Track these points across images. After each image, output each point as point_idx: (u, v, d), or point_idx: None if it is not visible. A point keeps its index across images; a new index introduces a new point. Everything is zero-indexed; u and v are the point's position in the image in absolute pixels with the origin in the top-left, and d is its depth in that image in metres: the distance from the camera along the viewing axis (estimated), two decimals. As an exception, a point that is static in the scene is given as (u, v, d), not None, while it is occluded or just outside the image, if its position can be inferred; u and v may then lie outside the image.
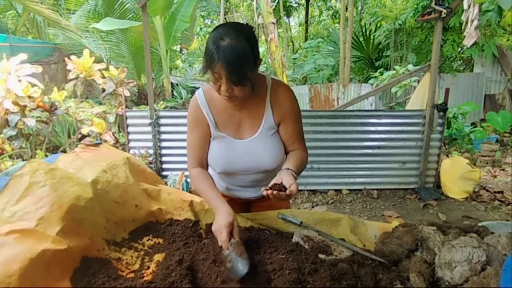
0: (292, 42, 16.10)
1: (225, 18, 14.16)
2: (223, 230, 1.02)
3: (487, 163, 5.47)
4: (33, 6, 6.38)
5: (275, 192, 1.05)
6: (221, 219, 1.06)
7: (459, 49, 8.24)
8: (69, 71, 4.39)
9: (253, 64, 1.13)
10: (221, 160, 1.31)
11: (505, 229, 1.24)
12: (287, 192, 1.06)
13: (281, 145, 1.34)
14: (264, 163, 1.31)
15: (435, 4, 3.73)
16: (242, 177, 1.38)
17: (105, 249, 0.99)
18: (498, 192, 4.21)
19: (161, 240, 1.11)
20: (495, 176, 4.97)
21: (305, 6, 14.68)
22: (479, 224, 1.30)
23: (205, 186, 1.23)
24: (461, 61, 9.44)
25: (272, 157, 1.31)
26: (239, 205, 1.54)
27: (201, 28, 14.96)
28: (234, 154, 1.30)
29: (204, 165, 1.34)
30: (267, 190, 1.06)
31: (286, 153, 1.37)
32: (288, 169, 1.18)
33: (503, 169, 5.30)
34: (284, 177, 1.11)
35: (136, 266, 0.98)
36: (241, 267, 0.91)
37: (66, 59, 4.45)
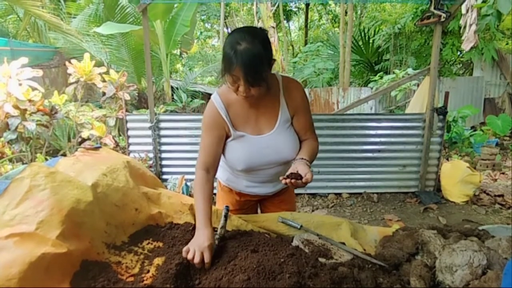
0: (292, 46, 16.16)
1: (225, 23, 14.23)
2: (206, 251, 1.00)
3: (487, 167, 5.47)
4: (34, 10, 6.41)
5: (292, 180, 1.13)
6: (202, 239, 1.05)
7: (459, 53, 8.26)
8: (70, 74, 4.41)
9: (267, 66, 1.22)
10: (244, 157, 1.36)
11: (506, 233, 1.24)
12: (303, 180, 1.15)
13: (296, 136, 1.41)
14: (285, 155, 1.37)
15: (434, 9, 3.75)
16: (263, 172, 1.42)
17: (105, 252, 0.99)
18: (499, 196, 4.20)
19: (161, 244, 1.10)
20: (495, 180, 4.97)
21: (304, 10, 14.74)
22: (480, 228, 1.30)
23: (200, 198, 1.23)
24: (461, 64, 9.47)
25: (292, 148, 1.37)
26: (252, 203, 1.62)
27: (201, 32, 15.04)
28: (255, 150, 1.36)
29: (212, 168, 1.34)
30: (285, 178, 1.14)
31: (300, 142, 1.44)
32: (302, 158, 1.27)
33: (503, 173, 5.30)
34: (299, 167, 1.20)
35: (136, 270, 0.97)
36: None
37: (66, 63, 4.47)
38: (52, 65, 7.21)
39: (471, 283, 0.94)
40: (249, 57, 1.12)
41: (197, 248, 1.00)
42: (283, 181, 1.14)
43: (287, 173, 1.17)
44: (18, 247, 0.80)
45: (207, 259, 0.99)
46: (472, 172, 4.01)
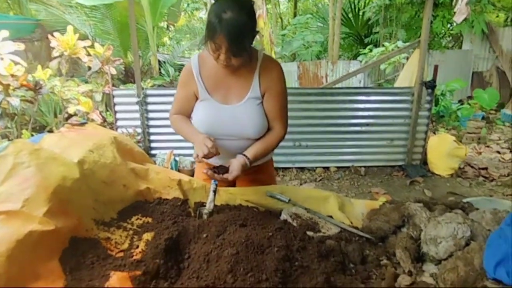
0: (281, 18, 15.74)
1: (213, -7, 13.69)
2: (205, 141, 1.22)
3: (472, 140, 5.58)
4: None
5: (209, 172, 1.23)
6: (199, 139, 1.26)
7: (449, 25, 8.19)
8: (53, 48, 4.24)
9: (251, 37, 1.23)
10: (205, 121, 1.38)
11: (489, 205, 1.27)
12: (224, 176, 1.23)
13: (265, 116, 1.39)
14: (247, 131, 1.37)
15: (427, -21, 3.67)
16: (225, 142, 1.41)
17: (93, 229, 0.99)
18: (483, 169, 4.32)
19: (150, 219, 1.11)
20: (480, 153, 5.09)
21: (294, -20, 14.26)
22: (464, 200, 1.33)
23: (184, 125, 1.41)
24: (450, 37, 9.42)
25: (256, 126, 1.37)
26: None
27: (188, 4, 14.45)
28: (219, 117, 1.36)
29: (185, 115, 1.46)
30: (209, 169, 1.24)
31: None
32: (244, 155, 1.30)
33: (488, 146, 5.42)
34: (234, 162, 1.26)
35: (126, 246, 0.98)
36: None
37: (49, 36, 4.28)
38: (34, 38, 6.91)
39: (454, 254, 0.98)
40: (234, 27, 1.13)
41: (200, 145, 1.22)
42: (204, 171, 1.24)
43: (218, 165, 1.27)
44: (4, 225, 0.79)
45: (209, 144, 1.21)
46: (458, 145, 4.09)
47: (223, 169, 1.24)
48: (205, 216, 1.14)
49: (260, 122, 1.37)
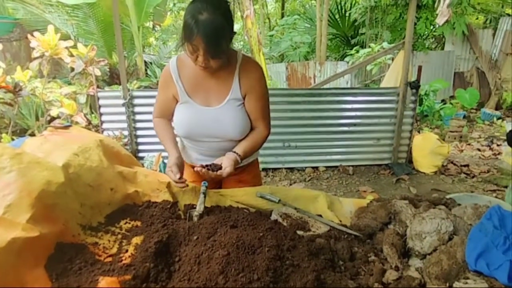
0: (269, 18, 15.80)
1: (199, -7, 13.62)
2: (172, 168, 1.24)
3: (455, 138, 5.73)
4: (-12, -24, 5.86)
5: (203, 170, 1.20)
6: (170, 161, 1.28)
7: (432, 27, 8.38)
8: (33, 49, 4.12)
9: (229, 38, 1.22)
10: (185, 123, 1.38)
11: (471, 201, 1.31)
12: (218, 172, 1.21)
13: (247, 117, 1.39)
14: (229, 132, 1.37)
15: (410, -19, 3.75)
16: (207, 144, 1.42)
17: (80, 234, 0.96)
18: (464, 166, 4.45)
19: (139, 223, 1.09)
20: (462, 151, 5.23)
21: (281, -19, 14.33)
22: (447, 197, 1.37)
23: (163, 133, 1.42)
24: (433, 39, 9.64)
25: (237, 127, 1.36)
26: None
27: (174, 4, 14.33)
28: (197, 119, 1.36)
29: (167, 118, 1.47)
30: (201, 166, 1.21)
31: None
32: (234, 152, 1.30)
33: (469, 144, 5.58)
34: (225, 160, 1.25)
35: (114, 250, 0.96)
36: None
37: (29, 35, 4.16)
38: (12, 38, 6.69)
39: (438, 248, 1.00)
40: (211, 28, 1.11)
41: (168, 170, 1.24)
42: (197, 169, 1.21)
43: (210, 163, 1.24)
44: (-15, 233, 0.76)
45: (175, 173, 1.22)
46: (441, 144, 4.20)
47: (216, 167, 1.22)
48: (195, 218, 1.13)
49: (242, 123, 1.37)
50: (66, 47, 4.24)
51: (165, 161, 3.85)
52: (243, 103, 1.37)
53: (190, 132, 1.39)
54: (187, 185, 1.26)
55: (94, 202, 1.06)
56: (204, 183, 1.25)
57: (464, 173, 4.28)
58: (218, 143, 1.40)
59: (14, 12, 7.11)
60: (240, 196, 1.36)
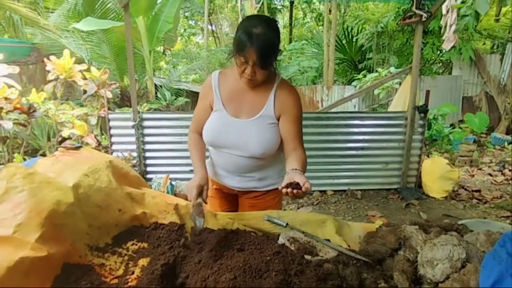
0: (277, 44, 16.15)
1: (209, 20, 14.11)
2: (193, 189, 1.25)
3: (465, 163, 5.65)
4: (9, 4, 6.18)
5: (294, 191, 1.08)
6: (194, 180, 1.30)
7: (439, 52, 8.48)
8: (48, 72, 4.27)
9: (276, 54, 1.29)
10: (211, 129, 1.41)
11: (483, 227, 1.28)
12: (303, 189, 1.09)
13: (275, 138, 1.39)
14: (252, 148, 1.37)
15: (416, 8, 3.83)
16: (229, 158, 1.43)
17: (87, 255, 0.96)
18: (476, 191, 4.35)
19: (145, 245, 1.09)
20: (473, 176, 5.14)
21: (289, 8, 14.78)
22: (459, 223, 1.34)
23: (194, 151, 1.46)
24: (441, 63, 9.73)
25: (262, 144, 1.36)
26: (227, 198, 1.61)
27: (184, 29, 14.84)
28: (224, 127, 1.39)
29: (201, 133, 1.49)
30: (284, 188, 1.08)
31: (285, 152, 1.41)
32: (295, 169, 1.22)
33: (480, 169, 5.48)
34: (296, 176, 1.14)
35: (120, 272, 0.96)
36: (198, 224, 1.14)
37: (45, 59, 4.32)
38: (29, 61, 6.96)
39: (451, 276, 0.97)
40: (264, 40, 1.19)
41: (194, 188, 1.26)
42: (284, 191, 1.08)
43: (284, 183, 1.11)
44: (-5, 252, 0.77)
45: (193, 197, 1.23)
46: (451, 168, 4.13)
47: (298, 185, 1.11)
48: (197, 223, 1.15)
49: (268, 142, 1.37)
50: (80, 70, 4.38)
51: (173, 183, 3.86)
52: (275, 123, 1.39)
53: (214, 140, 1.42)
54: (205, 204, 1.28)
55: (102, 223, 1.07)
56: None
57: (476, 198, 4.18)
58: (238, 158, 1.41)
59: (32, 37, 7.44)
60: (248, 219, 1.35)
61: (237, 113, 1.40)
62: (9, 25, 8.12)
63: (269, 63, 1.26)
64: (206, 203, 1.28)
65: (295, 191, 1.08)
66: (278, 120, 1.39)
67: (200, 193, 1.27)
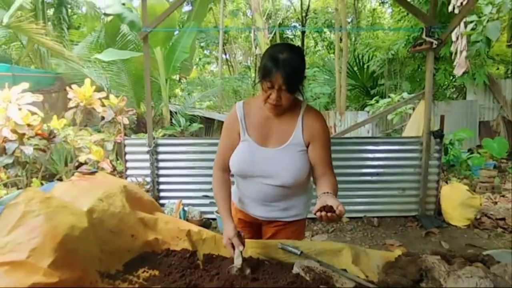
0: (289, 71, 16.45)
1: (224, 49, 14.57)
2: (228, 246, 1.23)
3: (486, 189, 5.44)
4: (38, 38, 6.56)
5: (329, 214, 1.07)
6: (225, 234, 1.27)
7: (451, 77, 8.45)
8: (70, 99, 4.45)
9: (302, 79, 1.30)
10: (239, 159, 1.39)
11: (511, 258, 1.21)
12: (337, 212, 1.08)
13: (306, 165, 1.38)
14: (282, 175, 1.35)
15: (426, 36, 3.87)
16: (258, 187, 1.41)
17: (98, 281, 0.95)
18: (500, 219, 4.15)
19: (157, 272, 1.07)
20: (496, 203, 4.93)
21: (301, 37, 15.18)
22: (484, 253, 1.27)
23: (219, 196, 1.43)
24: (454, 89, 9.66)
25: (293, 172, 1.35)
26: (251, 227, 1.56)
27: (200, 58, 15.34)
28: (255, 158, 1.37)
29: (227, 169, 1.46)
30: (318, 211, 1.08)
31: (315, 177, 1.41)
32: (327, 193, 1.22)
33: (503, 195, 5.26)
34: (329, 200, 1.13)
35: (130, 300, 0.94)
36: (236, 263, 1.12)
37: (67, 88, 4.52)
38: (52, 90, 7.29)
39: (479, 312, 0.91)
40: (290, 65, 1.21)
41: (227, 242, 1.24)
42: (318, 215, 1.08)
43: (317, 207, 1.10)
44: (8, 277, 0.77)
45: (237, 245, 1.20)
46: (472, 195, 3.98)
47: (332, 208, 1.10)
48: (236, 273, 1.08)
49: (298, 169, 1.36)
50: (99, 98, 4.55)
51: (186, 208, 3.85)
52: (304, 150, 1.38)
53: (243, 170, 1.40)
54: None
55: (114, 248, 1.06)
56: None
57: (501, 227, 3.98)
58: (267, 187, 1.39)
59: (56, 67, 7.83)
60: (261, 247, 1.32)
61: (264, 142, 1.39)
62: (36, 56, 8.60)
63: (295, 86, 1.27)
64: (243, 246, 1.24)
65: (329, 214, 1.07)
66: (307, 146, 1.39)
67: (242, 242, 1.25)
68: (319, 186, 1.33)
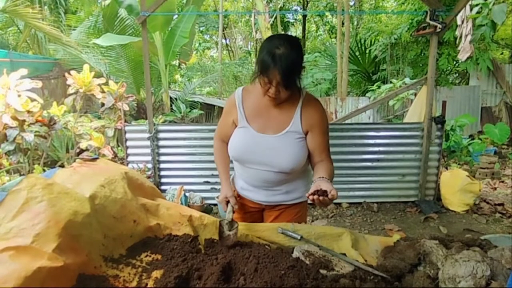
0: (290, 56, 16.27)
1: (224, 34, 14.38)
2: (223, 205, 1.40)
3: (486, 175, 5.46)
4: (35, 22, 6.47)
5: (321, 197, 1.12)
6: (221, 194, 1.44)
7: (454, 62, 8.35)
8: (69, 86, 4.42)
9: (299, 72, 1.31)
10: (237, 145, 1.42)
11: (508, 242, 1.22)
12: (329, 196, 1.13)
13: (304, 152, 1.40)
14: (281, 162, 1.38)
15: (430, 20, 3.80)
16: (255, 172, 1.44)
17: (102, 266, 0.97)
18: (499, 205, 4.19)
19: (159, 256, 1.09)
20: (495, 188, 4.96)
21: (302, 21, 14.94)
22: (482, 238, 1.28)
23: (219, 161, 1.57)
24: (457, 74, 9.56)
25: (290, 158, 1.37)
26: (252, 215, 1.60)
27: (200, 43, 15.16)
28: (253, 145, 1.40)
29: (226, 140, 1.53)
30: (311, 195, 1.14)
31: (312, 164, 1.44)
32: (322, 177, 1.26)
33: (502, 181, 5.29)
34: (322, 184, 1.18)
35: (134, 284, 0.96)
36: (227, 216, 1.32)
37: (66, 74, 4.48)
38: (51, 76, 7.24)
39: (475, 295, 0.92)
40: (286, 62, 1.21)
41: (223, 198, 1.42)
42: (310, 198, 1.14)
43: (311, 190, 1.16)
44: (13, 261, 0.78)
45: (233, 203, 1.39)
46: (472, 180, 4.00)
47: (325, 192, 1.15)
48: (226, 227, 1.23)
49: (297, 156, 1.38)
50: (99, 84, 4.52)
51: (187, 194, 3.88)
52: (302, 137, 1.40)
53: (241, 156, 1.43)
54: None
55: (117, 234, 1.07)
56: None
57: (499, 212, 4.02)
58: (265, 173, 1.42)
59: (54, 53, 7.75)
60: (262, 231, 1.34)
61: (263, 129, 1.41)
62: (34, 42, 8.51)
63: (292, 82, 1.28)
64: (235, 209, 1.40)
65: (321, 197, 1.11)
66: (306, 134, 1.40)
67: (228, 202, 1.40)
68: (316, 172, 1.37)
